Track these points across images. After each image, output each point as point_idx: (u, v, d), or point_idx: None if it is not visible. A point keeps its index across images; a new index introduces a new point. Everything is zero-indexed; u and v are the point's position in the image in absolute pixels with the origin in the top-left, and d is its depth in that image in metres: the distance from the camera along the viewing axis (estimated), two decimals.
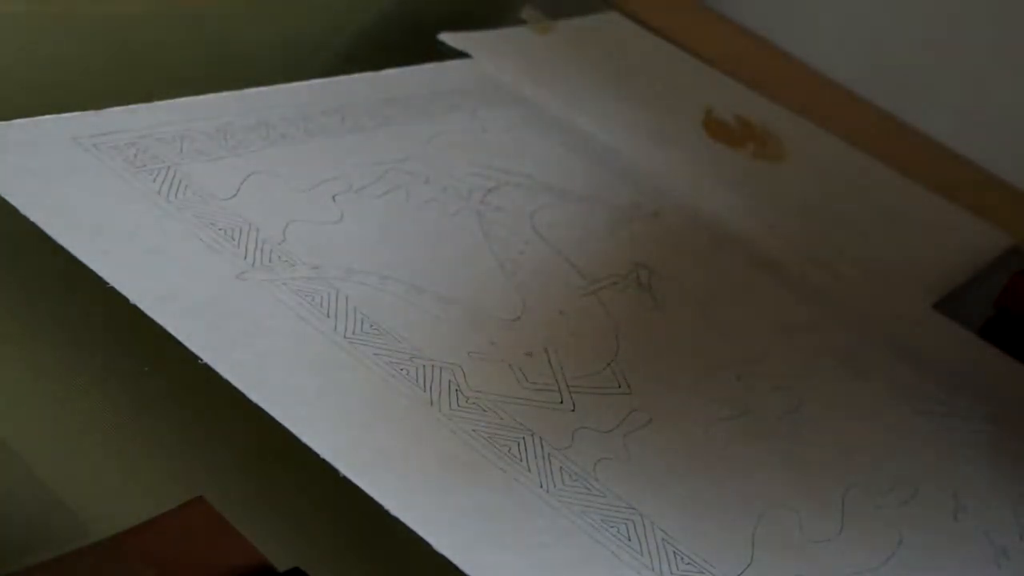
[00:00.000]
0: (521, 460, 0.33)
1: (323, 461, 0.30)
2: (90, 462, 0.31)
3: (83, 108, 0.39)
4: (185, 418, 0.31)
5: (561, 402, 0.36)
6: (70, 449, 0.31)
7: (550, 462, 0.33)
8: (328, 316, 0.35)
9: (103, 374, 0.33)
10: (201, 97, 0.42)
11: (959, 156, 0.64)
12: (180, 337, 0.31)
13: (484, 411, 0.34)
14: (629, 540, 0.32)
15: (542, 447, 0.33)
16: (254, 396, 0.31)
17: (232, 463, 0.30)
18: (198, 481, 0.31)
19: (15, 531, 0.28)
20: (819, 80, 0.68)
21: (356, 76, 0.48)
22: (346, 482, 0.30)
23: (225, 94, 0.43)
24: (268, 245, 0.37)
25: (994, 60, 0.64)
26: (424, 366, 0.34)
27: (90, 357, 0.34)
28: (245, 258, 0.36)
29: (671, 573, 0.31)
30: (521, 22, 0.61)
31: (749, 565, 0.33)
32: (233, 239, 0.36)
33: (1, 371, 0.32)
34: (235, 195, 0.38)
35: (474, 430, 0.33)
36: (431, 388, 0.34)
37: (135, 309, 0.32)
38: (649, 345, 0.40)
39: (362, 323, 0.35)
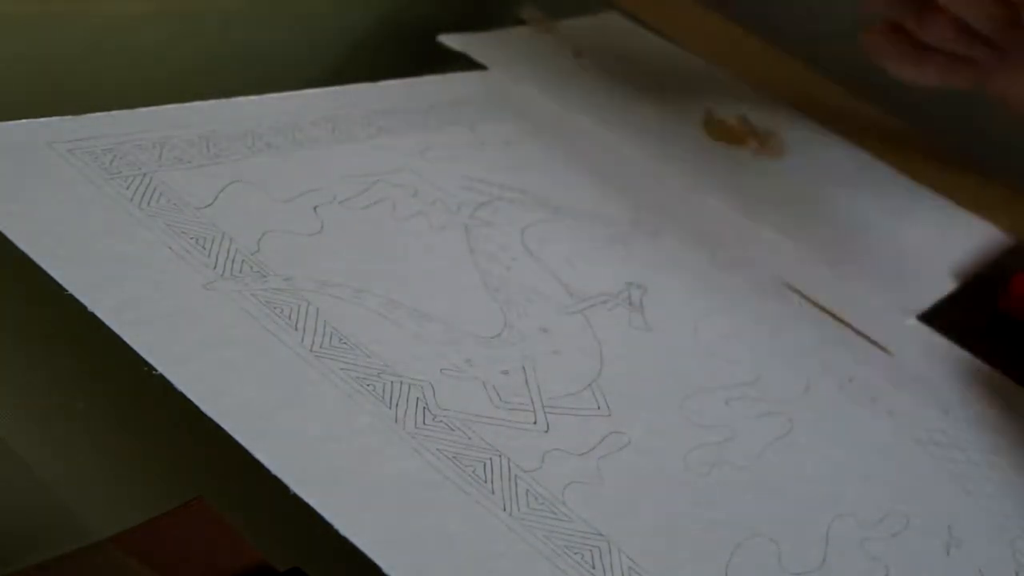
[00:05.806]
0: (486, 482, 0.32)
1: None
2: (90, 462, 0.31)
3: (82, 109, 0.39)
4: (185, 418, 0.30)
5: (534, 422, 0.34)
6: (70, 449, 0.31)
7: (516, 484, 0.32)
8: (295, 329, 0.34)
9: (103, 374, 0.33)
10: (186, 104, 0.42)
11: (959, 156, 0.63)
12: (135, 346, 0.31)
13: (451, 430, 0.33)
14: (593, 568, 0.30)
15: (509, 469, 0.32)
16: (207, 408, 0.30)
17: (232, 463, 0.30)
18: (198, 481, 0.31)
19: (15, 531, 0.28)
20: (819, 80, 0.67)
21: (351, 87, 0.47)
22: None
23: (212, 102, 0.42)
24: (240, 255, 0.36)
25: None
26: (392, 382, 0.33)
27: (91, 357, 0.33)
28: (214, 268, 0.35)
29: None
30: (521, 22, 0.60)
31: None
32: (204, 248, 0.35)
33: (1, 371, 0.32)
34: (211, 204, 0.37)
35: (439, 449, 0.32)
36: (397, 405, 0.33)
37: None
38: (635, 366, 0.39)
39: (331, 337, 0.34)
